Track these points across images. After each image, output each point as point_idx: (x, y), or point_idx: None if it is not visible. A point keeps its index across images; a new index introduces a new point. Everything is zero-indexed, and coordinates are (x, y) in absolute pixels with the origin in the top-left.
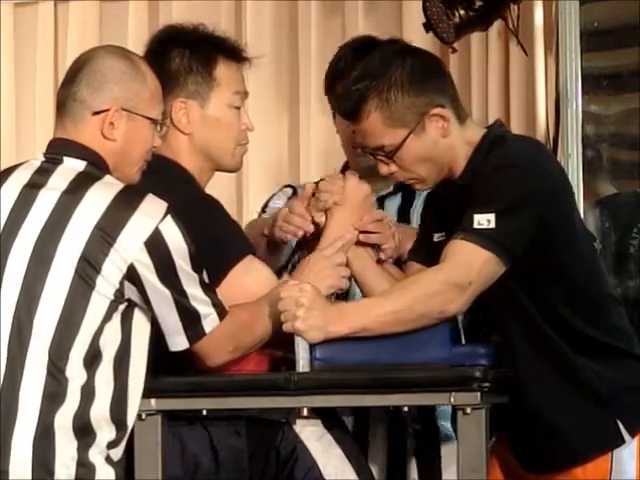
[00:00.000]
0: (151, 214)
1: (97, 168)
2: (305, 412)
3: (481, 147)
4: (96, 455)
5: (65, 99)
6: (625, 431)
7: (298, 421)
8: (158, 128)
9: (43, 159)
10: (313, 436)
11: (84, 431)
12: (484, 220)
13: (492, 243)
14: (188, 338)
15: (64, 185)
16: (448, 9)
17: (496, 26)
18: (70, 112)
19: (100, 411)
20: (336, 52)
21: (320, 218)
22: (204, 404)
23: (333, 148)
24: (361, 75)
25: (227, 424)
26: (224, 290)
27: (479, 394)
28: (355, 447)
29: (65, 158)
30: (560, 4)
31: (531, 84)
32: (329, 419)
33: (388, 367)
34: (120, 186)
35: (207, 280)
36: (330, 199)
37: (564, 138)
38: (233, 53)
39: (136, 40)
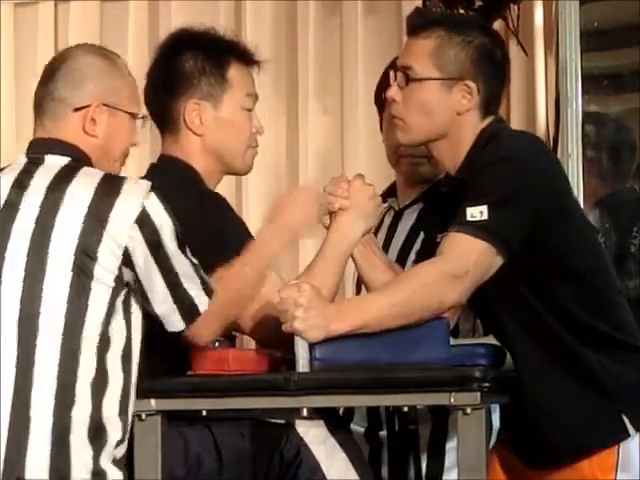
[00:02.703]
0: (136, 193)
1: (79, 163)
2: (305, 412)
3: (478, 142)
4: (106, 460)
5: (43, 99)
6: (630, 425)
7: (302, 424)
8: (139, 123)
9: (26, 160)
10: (317, 440)
11: (98, 433)
12: (477, 212)
13: (487, 233)
14: (183, 318)
15: (47, 182)
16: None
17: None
18: (49, 111)
19: (111, 408)
20: (388, 65)
21: (326, 221)
22: (204, 404)
23: (332, 148)
24: (449, 14)
25: (231, 425)
26: None
27: (479, 394)
28: (358, 451)
29: (47, 156)
30: (560, 4)
31: (531, 84)
32: (333, 422)
33: (388, 367)
34: (101, 174)
35: (192, 257)
36: (336, 203)
37: (564, 138)
38: (244, 56)
39: (136, 40)
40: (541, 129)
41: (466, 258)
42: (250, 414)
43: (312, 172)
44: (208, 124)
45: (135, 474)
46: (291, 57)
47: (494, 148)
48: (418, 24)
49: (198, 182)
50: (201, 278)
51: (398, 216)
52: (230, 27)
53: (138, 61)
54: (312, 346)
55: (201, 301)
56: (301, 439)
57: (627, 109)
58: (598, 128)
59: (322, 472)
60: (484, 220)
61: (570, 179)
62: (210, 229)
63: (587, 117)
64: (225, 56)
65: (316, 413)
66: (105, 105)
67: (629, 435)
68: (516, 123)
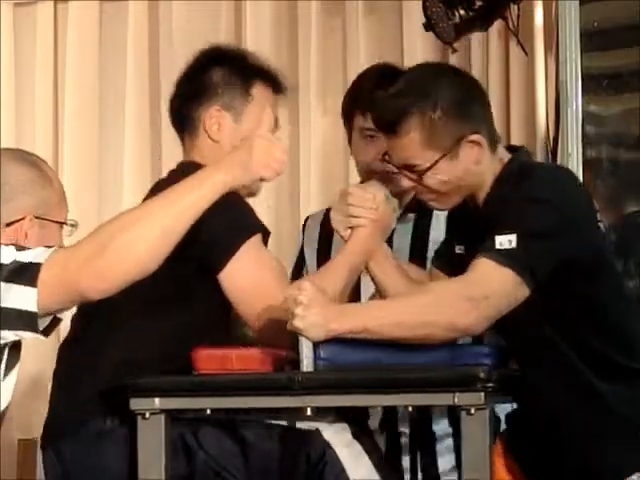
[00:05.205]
0: None
1: None
2: (309, 411)
3: (505, 176)
4: None
5: None
6: None
7: (328, 428)
8: (65, 230)
9: None
10: (342, 443)
11: None
12: (505, 241)
13: (512, 261)
14: (25, 282)
15: None
16: (448, 9)
17: (496, 26)
18: None
19: None
20: (355, 78)
21: (346, 232)
22: (207, 403)
23: (334, 148)
24: (407, 90)
25: (261, 428)
26: (235, 265)
27: (483, 394)
28: (382, 459)
29: None
30: (560, 4)
31: (531, 84)
32: (358, 429)
33: (392, 367)
34: None
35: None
36: (365, 215)
37: (564, 138)
38: (272, 80)
39: (136, 40)
40: (541, 129)
41: (486, 283)
42: (277, 419)
43: (314, 172)
44: (226, 132)
45: (139, 473)
46: (292, 57)
47: (527, 186)
48: (392, 124)
49: None
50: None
51: None
52: (230, 27)
53: (138, 61)
54: (316, 346)
55: (37, 255)
56: (327, 442)
57: (627, 109)
58: (598, 128)
59: (346, 475)
60: (512, 248)
61: None
62: (219, 212)
63: (587, 117)
64: (252, 73)
65: (342, 420)
66: (37, 217)
67: None
68: (516, 123)
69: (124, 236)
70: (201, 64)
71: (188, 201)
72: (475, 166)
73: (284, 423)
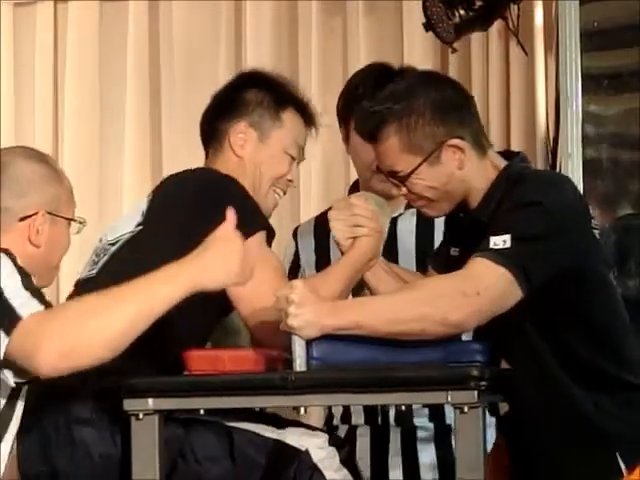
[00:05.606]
0: None
1: None
2: (303, 411)
3: (500, 182)
4: None
5: None
6: (623, 464)
7: (317, 452)
8: (73, 227)
9: None
10: (332, 467)
11: None
12: (500, 241)
13: (506, 260)
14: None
15: None
16: (448, 9)
17: (496, 26)
18: None
19: None
20: (350, 78)
21: (347, 242)
22: (201, 403)
23: (333, 149)
24: (385, 97)
25: (253, 436)
26: None
27: (476, 392)
28: None
29: None
30: (560, 4)
31: (531, 84)
32: (346, 455)
33: (385, 366)
34: None
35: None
36: (369, 225)
37: (564, 138)
38: (304, 110)
39: (136, 40)
40: (541, 129)
41: (480, 279)
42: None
43: (314, 172)
44: (249, 149)
45: (133, 474)
46: (292, 57)
47: (521, 191)
48: (371, 130)
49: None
50: (33, 291)
51: (392, 224)
52: (230, 27)
53: (138, 61)
54: (309, 345)
55: (26, 304)
56: (315, 465)
57: (627, 109)
58: (598, 128)
59: None
60: (506, 248)
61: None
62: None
63: (587, 117)
64: (286, 99)
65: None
66: (49, 213)
67: (622, 474)
68: (516, 123)
69: (92, 324)
70: (239, 83)
71: (158, 295)
72: (459, 171)
73: (276, 437)
